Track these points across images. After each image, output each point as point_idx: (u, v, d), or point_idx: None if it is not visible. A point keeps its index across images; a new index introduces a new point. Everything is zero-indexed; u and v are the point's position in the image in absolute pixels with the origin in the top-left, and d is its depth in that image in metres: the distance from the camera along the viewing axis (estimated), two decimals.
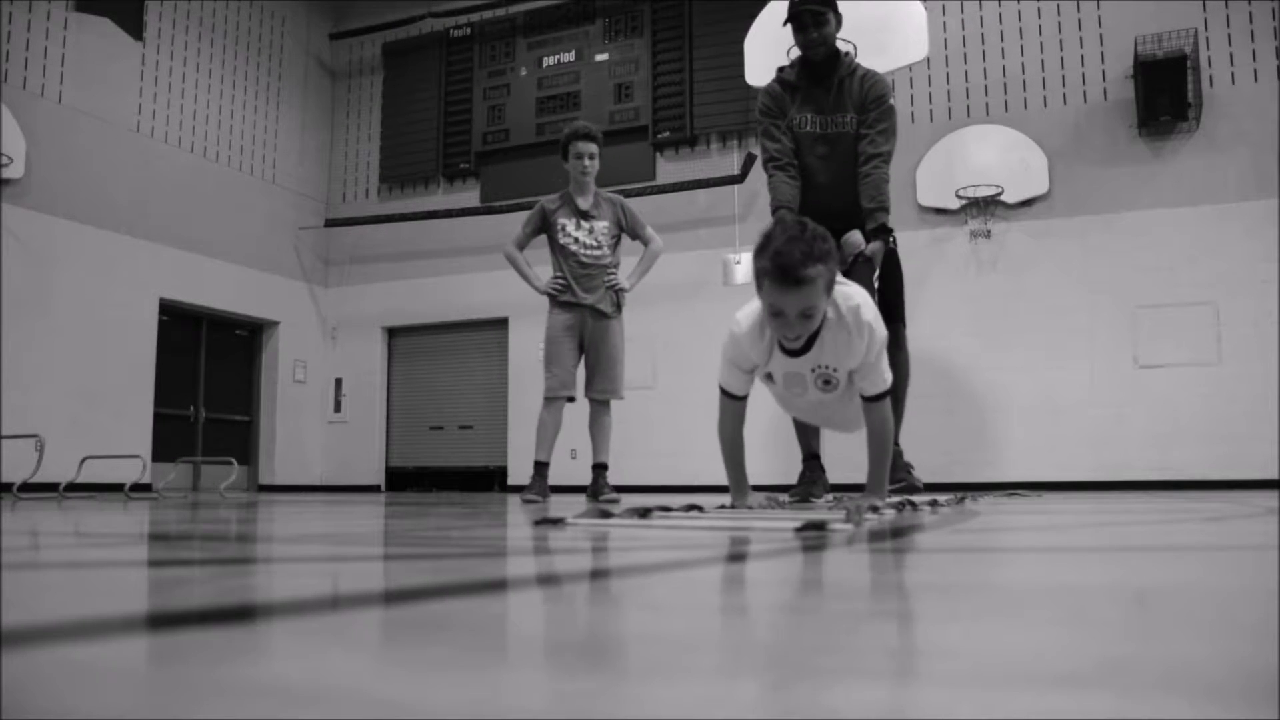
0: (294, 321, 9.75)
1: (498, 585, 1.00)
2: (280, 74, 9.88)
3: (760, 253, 2.30)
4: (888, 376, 2.60)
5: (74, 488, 5.67)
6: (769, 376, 2.66)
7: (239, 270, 9.12)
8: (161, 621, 0.69)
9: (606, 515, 2.01)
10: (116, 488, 5.89)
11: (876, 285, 3.92)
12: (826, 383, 2.59)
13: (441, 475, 9.53)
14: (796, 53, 4.21)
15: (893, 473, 4.01)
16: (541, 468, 4.85)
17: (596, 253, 5.06)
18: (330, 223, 10.03)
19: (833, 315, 2.46)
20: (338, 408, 9.97)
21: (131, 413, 7.93)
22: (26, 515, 2.84)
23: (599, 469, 5.01)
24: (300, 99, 10.10)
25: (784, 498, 3.49)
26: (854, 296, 2.51)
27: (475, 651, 0.56)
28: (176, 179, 8.59)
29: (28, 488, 5.23)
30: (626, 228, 5.16)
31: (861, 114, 4.09)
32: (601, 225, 5.09)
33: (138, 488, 5.98)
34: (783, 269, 2.24)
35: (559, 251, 5.06)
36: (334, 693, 0.43)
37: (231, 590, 0.90)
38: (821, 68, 4.11)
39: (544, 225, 5.09)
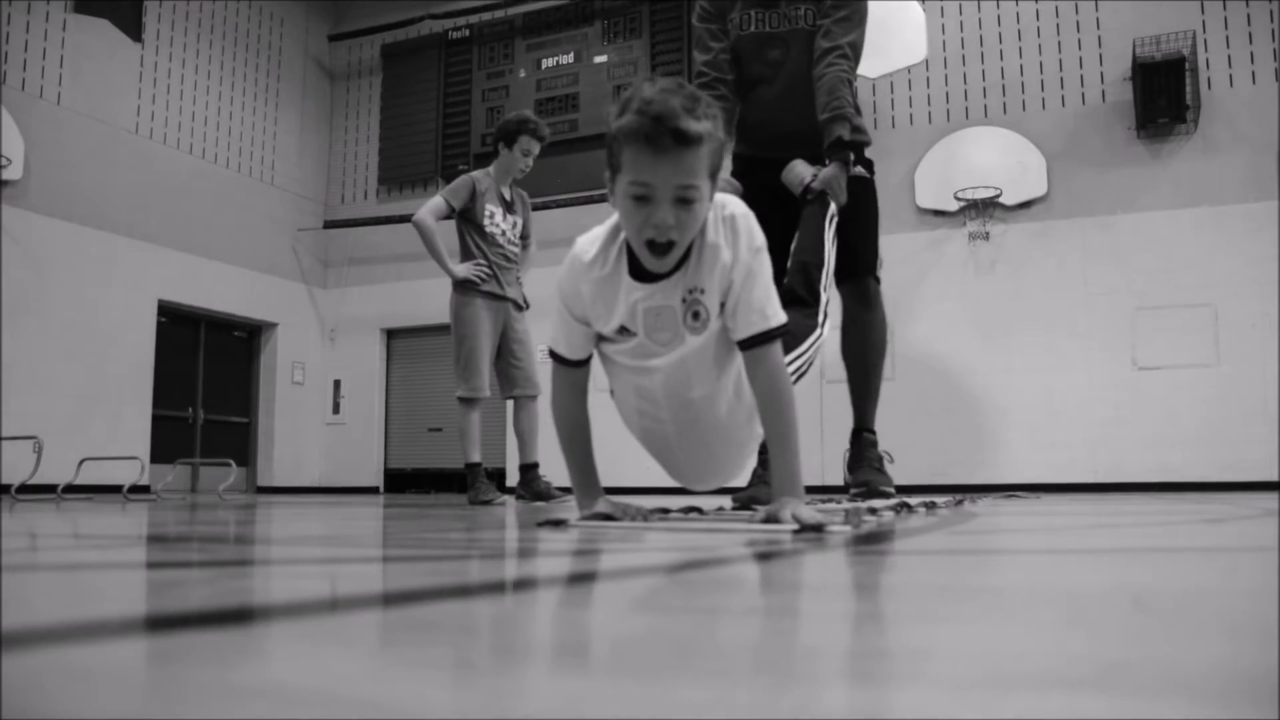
0: (292, 323, 9.75)
1: (498, 587, 1.00)
2: (279, 75, 9.88)
3: (621, 111, 1.70)
4: (774, 311, 1.87)
5: (72, 489, 5.66)
6: (622, 331, 1.92)
7: (237, 272, 9.12)
8: (160, 623, 0.68)
9: (610, 518, 1.99)
10: (115, 489, 5.88)
11: (834, 227, 2.92)
12: (695, 315, 1.87)
13: (440, 477, 9.52)
14: None
15: (856, 467, 3.32)
16: (479, 467, 4.68)
17: (514, 248, 4.82)
18: (329, 224, 10.03)
19: (708, 229, 1.83)
20: (336, 409, 9.96)
21: (130, 414, 7.93)
22: (25, 517, 2.84)
23: (534, 468, 4.73)
24: (299, 100, 10.10)
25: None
26: (720, 194, 1.89)
27: (474, 653, 0.56)
28: (175, 180, 8.59)
29: (26, 489, 5.23)
30: (526, 227, 4.94)
31: (819, 2, 3.21)
32: (518, 221, 4.87)
33: (136, 489, 5.97)
34: (657, 118, 1.64)
35: (483, 237, 4.70)
36: (332, 695, 0.43)
37: (230, 592, 0.90)
38: None
39: (470, 203, 4.71)
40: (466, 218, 4.72)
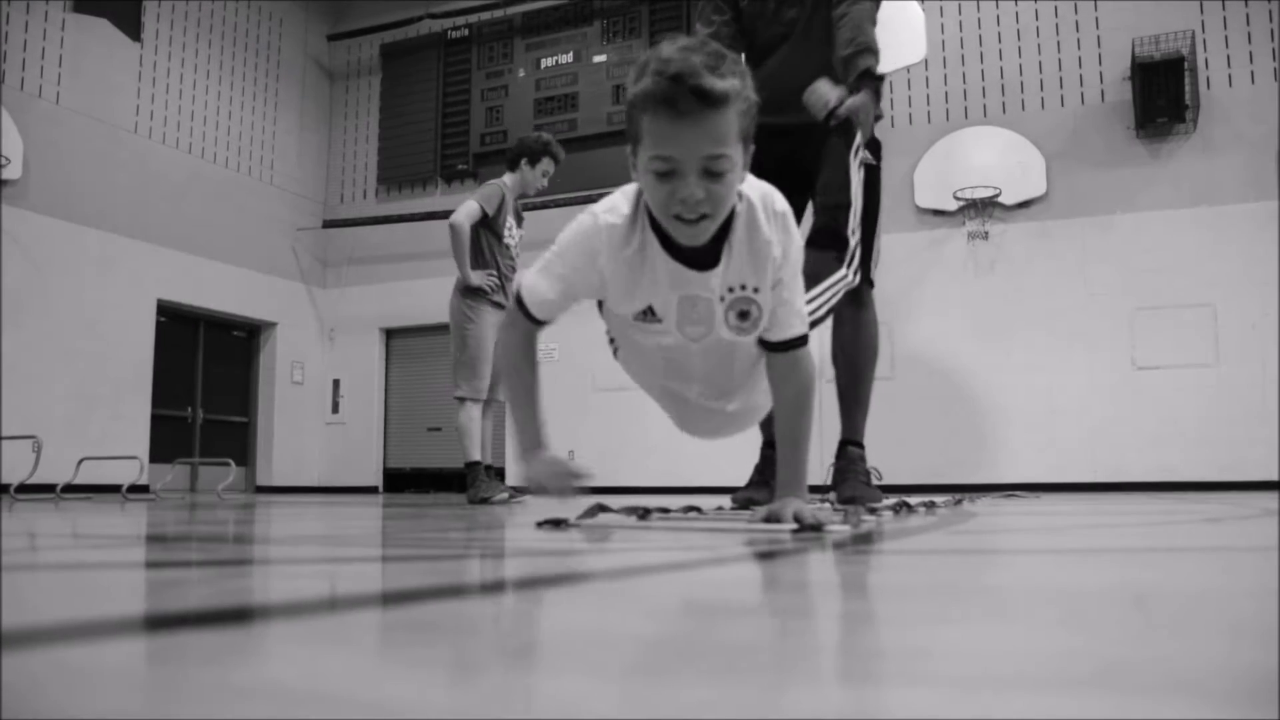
0: (292, 323, 9.75)
1: (497, 587, 1.00)
2: (278, 75, 9.88)
3: (638, 76, 1.53)
4: (805, 313, 1.81)
5: (71, 489, 5.66)
6: (647, 313, 1.75)
7: (237, 271, 9.12)
8: (159, 623, 0.68)
9: (604, 508, 1.99)
10: (114, 489, 5.88)
11: (860, 159, 2.68)
12: (743, 315, 1.73)
13: (439, 477, 9.52)
14: None
15: (842, 482, 3.03)
16: (479, 466, 4.72)
17: (517, 260, 4.95)
18: (328, 224, 10.03)
19: (744, 207, 1.68)
20: (335, 409, 9.96)
21: (129, 414, 7.93)
22: (24, 516, 2.84)
23: (494, 470, 4.89)
24: (298, 100, 10.10)
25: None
26: (763, 184, 1.75)
27: (474, 653, 0.56)
28: (174, 180, 8.59)
29: (25, 489, 5.23)
30: None
31: None
32: (522, 235, 5.04)
33: (135, 489, 5.97)
34: (676, 77, 1.46)
35: (499, 248, 4.83)
36: (332, 695, 0.43)
37: (229, 592, 0.90)
38: None
39: (496, 212, 4.82)
40: (489, 226, 4.82)
